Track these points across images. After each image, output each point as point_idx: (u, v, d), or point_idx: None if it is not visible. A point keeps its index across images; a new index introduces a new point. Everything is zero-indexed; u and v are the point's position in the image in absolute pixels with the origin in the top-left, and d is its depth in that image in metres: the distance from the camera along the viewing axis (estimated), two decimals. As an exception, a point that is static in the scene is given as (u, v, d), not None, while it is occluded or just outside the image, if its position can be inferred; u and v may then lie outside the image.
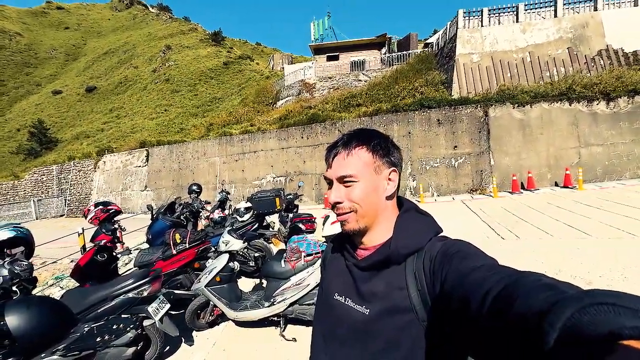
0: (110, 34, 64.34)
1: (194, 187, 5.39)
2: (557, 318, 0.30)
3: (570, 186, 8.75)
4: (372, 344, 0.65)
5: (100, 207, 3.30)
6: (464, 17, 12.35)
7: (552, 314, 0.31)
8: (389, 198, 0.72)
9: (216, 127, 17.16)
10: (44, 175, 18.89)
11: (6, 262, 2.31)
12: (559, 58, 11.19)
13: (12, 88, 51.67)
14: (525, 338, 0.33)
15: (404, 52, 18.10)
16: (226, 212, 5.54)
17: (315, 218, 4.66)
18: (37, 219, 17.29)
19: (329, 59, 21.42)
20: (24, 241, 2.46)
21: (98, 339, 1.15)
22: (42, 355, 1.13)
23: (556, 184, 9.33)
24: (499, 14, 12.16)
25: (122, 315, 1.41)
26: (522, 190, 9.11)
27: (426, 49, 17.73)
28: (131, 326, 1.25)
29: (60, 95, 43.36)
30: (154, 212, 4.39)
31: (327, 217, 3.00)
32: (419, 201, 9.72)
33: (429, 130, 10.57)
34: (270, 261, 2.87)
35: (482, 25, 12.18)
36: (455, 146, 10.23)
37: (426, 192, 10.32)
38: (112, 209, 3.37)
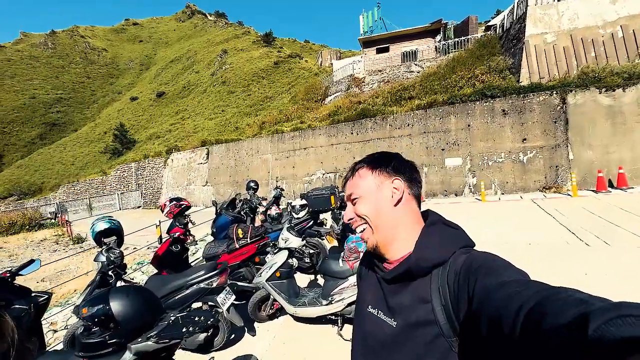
0: (175, 43, 70.98)
1: (252, 184, 5.68)
2: (584, 330, 0.31)
3: (677, 184, 7.26)
4: (399, 356, 0.66)
5: (174, 202, 3.66)
6: (536, -7, 10.94)
7: (581, 326, 0.32)
8: (397, 207, 0.73)
9: (268, 125, 17.88)
10: (125, 172, 21.70)
11: (104, 250, 2.69)
12: (664, 30, 9.29)
13: (100, 97, 60.30)
14: (556, 352, 0.33)
15: (462, 38, 16.74)
16: (280, 208, 5.73)
17: (368, 216, 4.55)
18: (119, 209, 19.96)
19: (379, 51, 20.78)
20: (116, 232, 2.83)
21: (184, 330, 1.25)
22: (139, 339, 1.26)
23: (657, 182, 7.82)
24: (582, -16, 10.50)
25: (203, 307, 1.52)
26: (610, 189, 7.82)
27: (488, 33, 16.17)
28: (211, 319, 1.34)
29: (136, 101, 49.28)
30: (217, 208, 4.74)
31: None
32: (479, 199, 8.96)
33: (492, 122, 9.63)
34: (328, 260, 2.88)
35: (558, 0, 10.66)
36: (524, 139, 9.17)
37: (488, 189, 9.47)
38: (184, 204, 3.71)
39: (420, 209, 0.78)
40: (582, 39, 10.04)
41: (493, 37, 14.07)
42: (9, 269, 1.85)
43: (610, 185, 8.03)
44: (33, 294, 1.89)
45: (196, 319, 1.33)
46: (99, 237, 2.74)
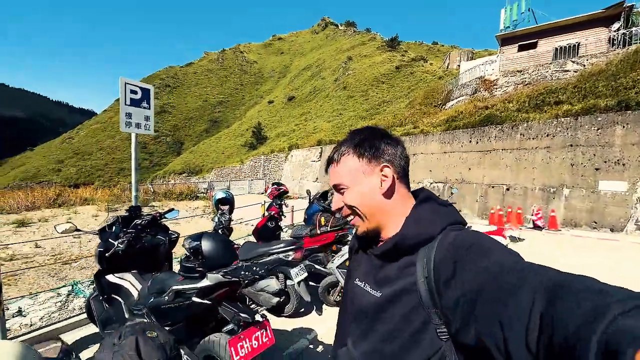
0: (309, 53, 79.60)
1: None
2: (600, 323, 0.30)
3: None
4: (381, 327, 0.67)
5: (275, 186, 4.31)
6: None
7: (596, 319, 0.31)
8: (386, 195, 0.71)
9: (380, 129, 17.91)
10: (256, 162, 26.00)
11: (219, 213, 3.44)
12: None
13: (247, 100, 73.82)
14: (573, 343, 0.32)
15: (656, 23, 12.36)
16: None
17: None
18: (248, 193, 24.05)
19: (521, 48, 17.64)
20: (229, 202, 3.57)
21: (242, 273, 1.56)
22: (214, 272, 1.64)
23: None
24: None
25: (278, 276, 1.84)
26: None
27: None
28: (262, 272, 1.60)
29: (272, 104, 58.00)
30: (311, 197, 5.22)
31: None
32: (651, 242, 6.52)
33: (692, 137, 6.82)
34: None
35: None
36: None
37: (671, 230, 6.77)
38: (282, 189, 4.30)
39: (409, 185, 0.75)
40: None
41: None
42: (159, 212, 2.67)
43: None
44: (169, 232, 2.66)
45: (255, 269, 1.62)
46: (217, 203, 3.53)
